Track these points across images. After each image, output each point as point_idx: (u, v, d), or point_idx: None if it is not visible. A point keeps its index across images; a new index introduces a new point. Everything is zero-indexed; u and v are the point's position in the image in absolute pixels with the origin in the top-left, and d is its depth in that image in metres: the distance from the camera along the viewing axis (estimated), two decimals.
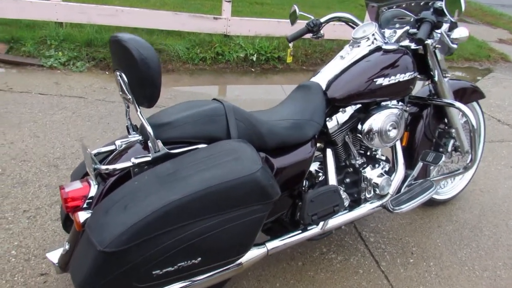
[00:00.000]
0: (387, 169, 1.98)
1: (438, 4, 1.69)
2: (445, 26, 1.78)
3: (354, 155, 1.90)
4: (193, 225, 1.22)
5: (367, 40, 1.90)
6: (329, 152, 1.82)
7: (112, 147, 1.48)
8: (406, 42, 1.93)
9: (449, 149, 2.27)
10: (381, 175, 1.92)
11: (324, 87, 1.80)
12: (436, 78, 2.04)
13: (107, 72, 4.14)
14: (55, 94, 3.50)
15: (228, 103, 1.54)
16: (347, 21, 2.20)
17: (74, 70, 4.07)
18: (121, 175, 1.38)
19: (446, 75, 2.04)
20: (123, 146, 1.46)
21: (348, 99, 1.78)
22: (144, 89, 1.30)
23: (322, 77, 1.85)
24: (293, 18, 2.21)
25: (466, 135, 2.49)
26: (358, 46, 1.91)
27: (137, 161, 1.35)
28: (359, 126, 1.81)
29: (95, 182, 1.36)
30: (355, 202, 1.95)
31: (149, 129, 1.35)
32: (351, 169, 1.94)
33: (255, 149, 1.50)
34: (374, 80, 1.78)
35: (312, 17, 2.18)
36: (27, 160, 2.53)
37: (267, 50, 4.85)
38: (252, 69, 4.74)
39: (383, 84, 1.79)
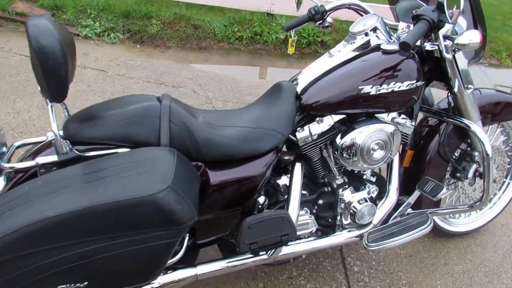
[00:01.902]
0: (374, 194, 1.65)
1: None
2: (448, 27, 1.37)
3: (334, 173, 1.60)
4: (76, 246, 1.05)
5: (363, 37, 1.55)
6: (297, 167, 1.54)
7: (43, 138, 1.35)
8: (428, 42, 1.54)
9: (469, 175, 1.85)
10: (364, 200, 1.60)
11: (299, 90, 1.51)
12: (455, 90, 1.63)
13: (138, 46, 4.08)
14: (79, 65, 3.50)
15: (167, 103, 1.32)
16: (357, 10, 1.84)
17: (107, 41, 4.06)
18: (32, 174, 1.25)
19: (469, 86, 1.62)
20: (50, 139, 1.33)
21: (324, 108, 1.48)
22: (46, 82, 1.13)
23: (302, 78, 1.56)
24: (298, 2, 1.90)
25: (504, 157, 2.04)
26: (353, 42, 1.58)
27: (41, 161, 1.21)
28: (337, 140, 1.50)
29: (4, 178, 1.24)
30: (330, 228, 1.66)
31: (53, 127, 1.19)
32: (329, 189, 1.64)
33: (191, 159, 1.30)
34: (360, 87, 1.45)
35: (317, 3, 1.86)
36: (23, 132, 2.54)
37: (310, 33, 4.47)
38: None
39: (370, 93, 1.45)
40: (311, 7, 1.84)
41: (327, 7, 1.84)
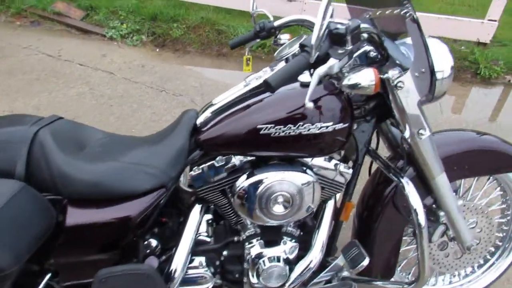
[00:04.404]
0: (293, 252, 1.37)
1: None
2: (332, 63, 1.04)
3: (245, 222, 1.36)
4: None
5: (284, 63, 1.29)
6: (195, 210, 1.33)
7: None
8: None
9: (435, 238, 1.49)
10: (274, 259, 1.34)
11: (199, 122, 1.29)
12: (406, 135, 1.29)
13: (157, 50, 4.06)
14: (91, 67, 3.57)
15: (34, 129, 1.19)
16: (310, 28, 1.57)
17: (129, 43, 4.09)
18: None
19: (420, 131, 1.26)
20: None
21: (221, 148, 1.25)
22: None
23: (209, 108, 1.34)
24: (252, 15, 1.68)
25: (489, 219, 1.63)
26: (274, 69, 1.32)
27: None
28: (235, 186, 1.26)
29: None
30: (238, 285, 1.42)
31: None
32: (239, 239, 1.40)
33: (50, 192, 1.17)
34: (259, 127, 1.19)
35: (270, 17, 1.63)
36: None
37: None
38: None
39: (272, 135, 1.19)
40: (257, 22, 1.61)
41: (276, 24, 1.59)
